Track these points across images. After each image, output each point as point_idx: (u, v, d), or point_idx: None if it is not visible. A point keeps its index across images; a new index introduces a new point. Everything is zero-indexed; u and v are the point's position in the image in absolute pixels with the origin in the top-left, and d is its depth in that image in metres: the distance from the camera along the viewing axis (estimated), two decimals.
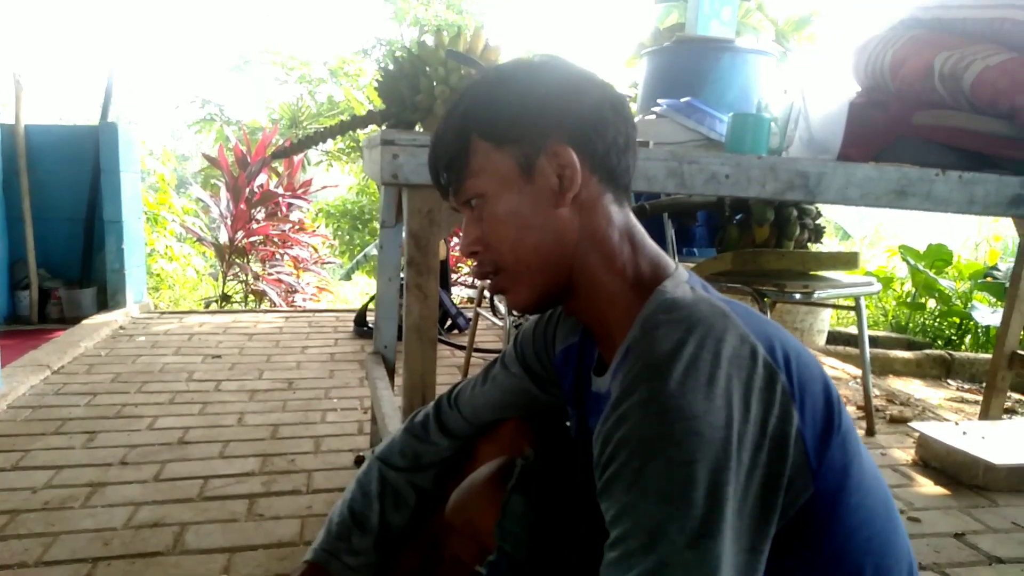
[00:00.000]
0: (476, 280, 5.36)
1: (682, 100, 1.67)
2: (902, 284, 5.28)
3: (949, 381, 3.68)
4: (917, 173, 1.47)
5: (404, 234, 1.28)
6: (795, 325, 3.89)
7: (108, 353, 3.03)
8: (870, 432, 2.38)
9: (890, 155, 1.70)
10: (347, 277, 8.69)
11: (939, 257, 4.94)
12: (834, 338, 4.23)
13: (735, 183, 1.38)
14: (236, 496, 1.76)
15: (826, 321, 4.02)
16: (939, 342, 4.57)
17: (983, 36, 1.60)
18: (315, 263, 6.43)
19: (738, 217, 2.52)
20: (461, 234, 0.83)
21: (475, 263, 0.83)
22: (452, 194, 0.83)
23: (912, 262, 4.91)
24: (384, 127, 1.64)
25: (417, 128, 1.62)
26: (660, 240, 2.40)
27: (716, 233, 2.57)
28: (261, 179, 5.70)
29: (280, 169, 6.12)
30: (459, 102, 0.81)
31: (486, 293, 3.13)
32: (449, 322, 3.59)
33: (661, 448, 0.61)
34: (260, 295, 5.62)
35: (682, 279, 0.79)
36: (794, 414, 0.66)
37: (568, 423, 1.04)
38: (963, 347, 4.51)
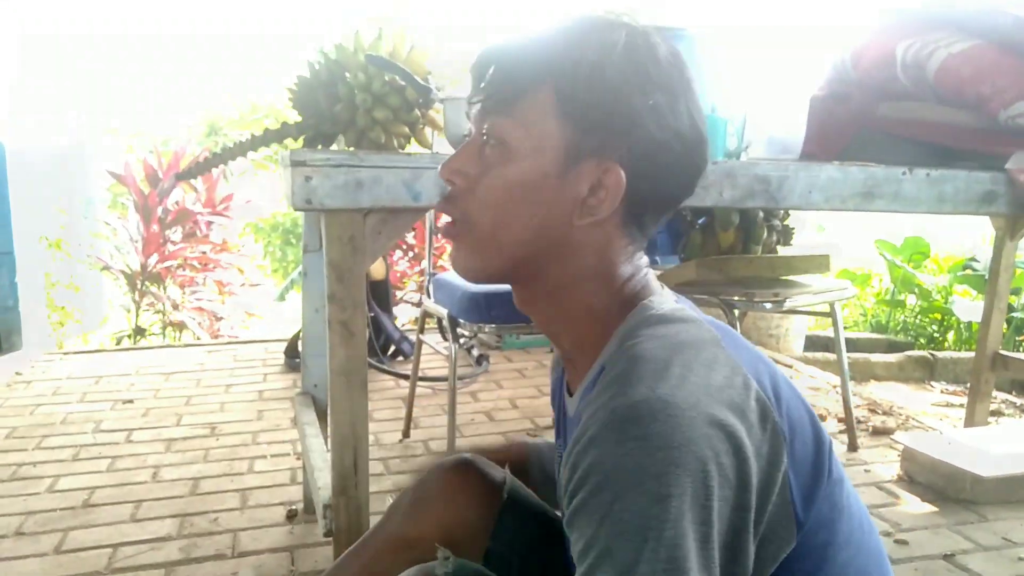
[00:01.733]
0: (422, 298, 5.30)
1: None
2: (880, 280, 5.38)
3: (933, 383, 3.77)
4: (883, 173, 1.49)
5: (324, 265, 1.24)
6: (769, 332, 3.94)
7: (2, 404, 2.91)
8: (852, 447, 2.41)
9: (855, 152, 1.73)
10: (281, 298, 8.54)
11: (917, 250, 5.04)
12: (812, 343, 4.28)
13: None
14: (150, 566, 1.69)
15: (804, 325, 4.07)
16: (921, 340, 4.66)
17: (942, 23, 1.65)
18: (242, 285, 6.29)
19: (701, 221, 2.53)
20: (453, 154, 0.76)
21: (444, 195, 0.77)
22: (479, 112, 0.75)
23: (889, 257, 5.00)
24: (301, 141, 1.60)
25: (339, 143, 1.58)
26: None
27: (678, 239, 2.59)
28: (177, 195, 5.55)
29: (198, 183, 5.98)
30: (556, 40, 0.72)
31: (429, 315, 3.09)
32: (392, 348, 3.54)
33: (638, 480, 0.59)
34: (180, 326, 5.47)
35: (669, 297, 0.78)
36: (784, 457, 0.65)
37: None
38: (946, 344, 4.61)
